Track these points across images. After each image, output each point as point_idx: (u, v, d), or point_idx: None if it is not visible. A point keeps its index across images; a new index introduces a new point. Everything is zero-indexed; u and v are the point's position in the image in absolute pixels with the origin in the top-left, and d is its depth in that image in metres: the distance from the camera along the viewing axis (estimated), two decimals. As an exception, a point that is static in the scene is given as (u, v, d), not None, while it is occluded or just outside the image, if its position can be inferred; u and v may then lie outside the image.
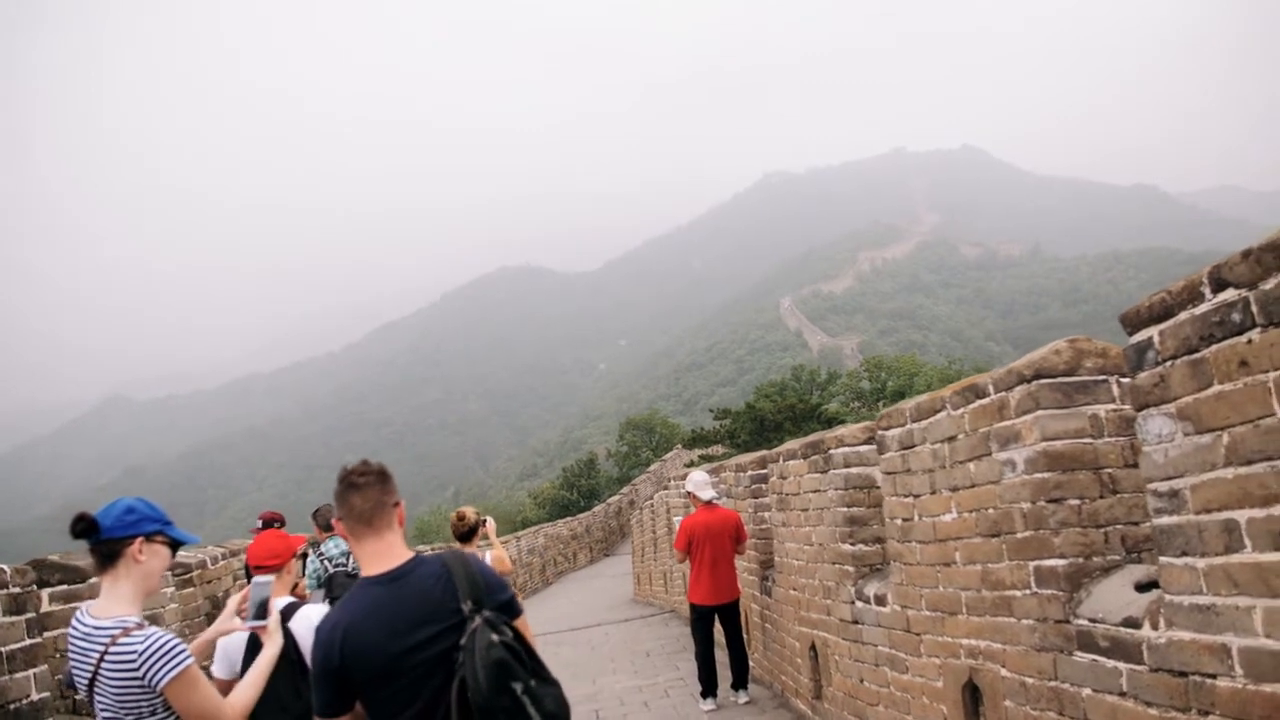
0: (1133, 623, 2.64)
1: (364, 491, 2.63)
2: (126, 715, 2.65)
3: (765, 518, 7.11)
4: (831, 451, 5.08)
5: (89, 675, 2.65)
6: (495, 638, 2.49)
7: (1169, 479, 2.40)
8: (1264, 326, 2.07)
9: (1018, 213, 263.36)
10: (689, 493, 7.47)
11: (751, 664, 7.54)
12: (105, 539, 2.73)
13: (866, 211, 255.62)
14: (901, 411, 4.06)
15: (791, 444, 5.92)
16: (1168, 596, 2.45)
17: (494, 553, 6.42)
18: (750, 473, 7.33)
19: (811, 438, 5.52)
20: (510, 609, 2.67)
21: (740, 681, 7.31)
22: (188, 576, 6.52)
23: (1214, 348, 2.22)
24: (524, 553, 24.10)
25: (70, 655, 2.72)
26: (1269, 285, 2.05)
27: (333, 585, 7.34)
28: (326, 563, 7.48)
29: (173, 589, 6.11)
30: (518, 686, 2.45)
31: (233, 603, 3.42)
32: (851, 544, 4.94)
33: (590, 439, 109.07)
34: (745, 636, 7.60)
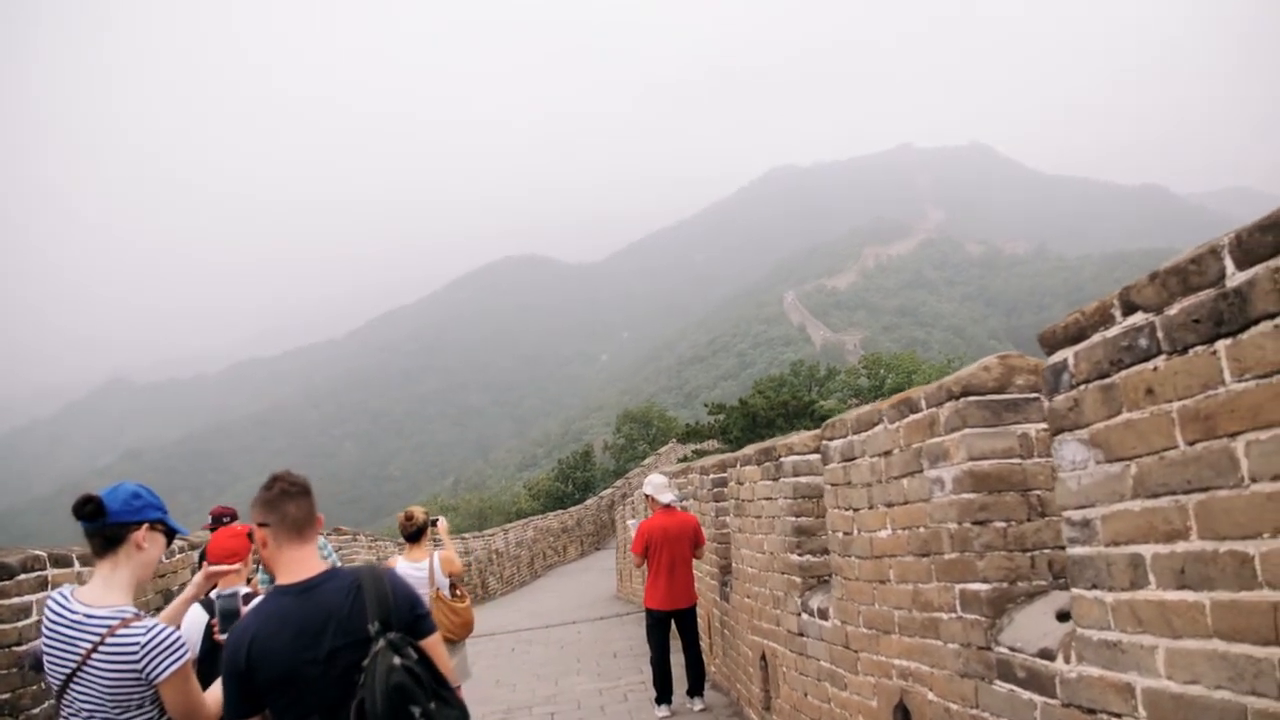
0: (1048, 654, 2.54)
1: (298, 500, 2.67)
2: (112, 707, 2.57)
3: (725, 522, 7.01)
4: (782, 459, 4.98)
5: (73, 665, 2.56)
6: (397, 661, 2.50)
7: (1081, 508, 2.30)
8: (1169, 354, 1.96)
9: (1024, 211, 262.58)
10: (647, 496, 7.37)
11: (713, 669, 7.45)
12: (111, 523, 2.69)
13: (872, 207, 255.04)
14: (844, 422, 3.95)
15: (748, 449, 5.82)
16: (1079, 630, 2.35)
17: (443, 553, 6.33)
18: (712, 476, 7.23)
19: (766, 444, 5.42)
20: (419, 628, 2.69)
21: (696, 688, 7.21)
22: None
23: (1123, 373, 2.12)
24: (511, 546, 24.05)
25: (50, 642, 2.63)
26: (1173, 311, 1.94)
27: None
28: None
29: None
30: (416, 710, 2.47)
31: (195, 583, 3.35)
32: (799, 554, 4.84)
33: (591, 430, 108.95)
34: (707, 642, 7.50)
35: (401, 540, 6.62)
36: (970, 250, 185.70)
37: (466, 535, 22.56)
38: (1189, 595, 1.95)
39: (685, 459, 29.49)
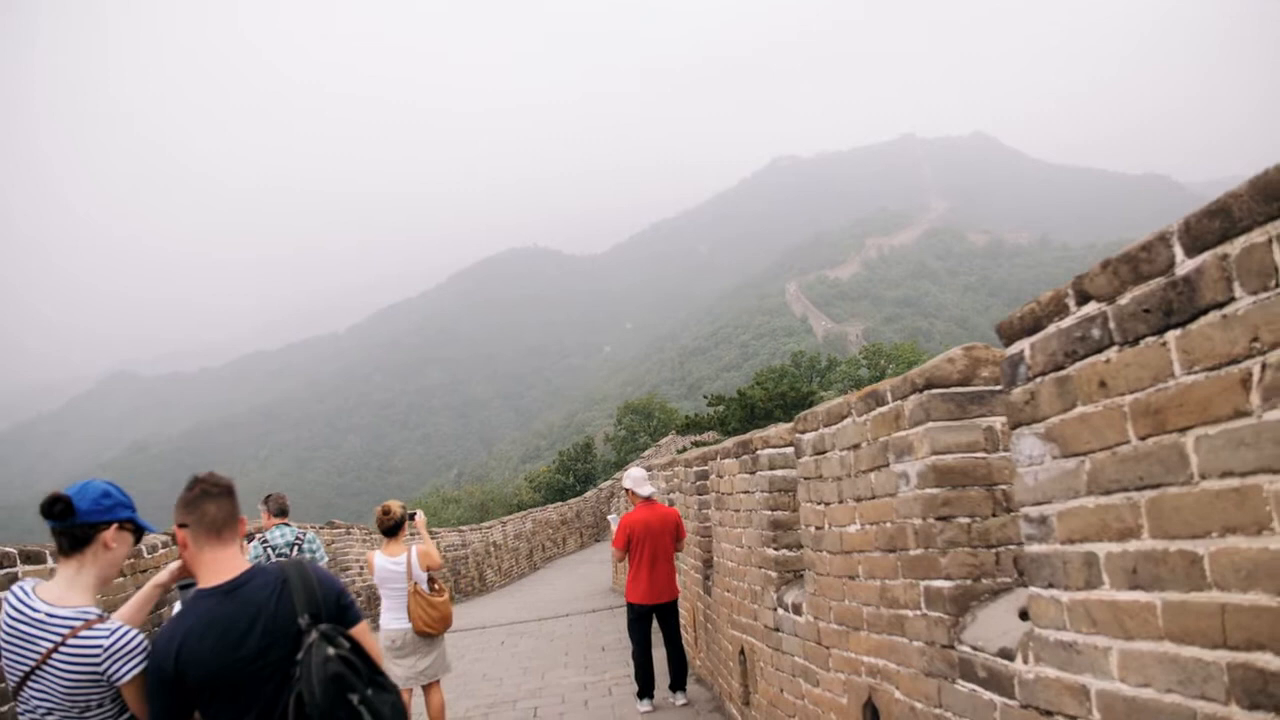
0: (1007, 654, 2.47)
1: (219, 501, 2.65)
2: (70, 707, 2.52)
3: (708, 515, 6.94)
4: (758, 452, 4.91)
5: (32, 664, 2.52)
6: (331, 651, 2.53)
7: (1038, 504, 2.23)
8: (1121, 345, 1.89)
9: (1027, 200, 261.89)
10: (627, 490, 7.30)
11: (698, 663, 7.40)
12: (80, 523, 2.64)
13: (875, 197, 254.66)
14: (816, 415, 3.88)
15: (727, 442, 5.75)
16: (1036, 630, 2.28)
17: (421, 547, 6.27)
18: (695, 469, 7.15)
19: (743, 436, 5.34)
20: (346, 617, 2.71)
21: (678, 683, 7.14)
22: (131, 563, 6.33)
23: (1077, 365, 2.04)
24: (509, 538, 24.03)
25: (8, 639, 2.58)
26: (1125, 301, 1.87)
27: None
28: (270, 550, 7.40)
29: (128, 576, 5.97)
30: (354, 698, 2.52)
31: (156, 581, 3.29)
32: (775, 548, 4.77)
33: (593, 422, 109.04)
34: (692, 635, 7.44)
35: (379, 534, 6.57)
36: (973, 240, 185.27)
37: (464, 528, 22.55)
38: (1141, 596, 1.88)
39: (684, 450, 29.44)
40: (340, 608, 2.70)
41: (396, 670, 6.20)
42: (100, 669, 2.51)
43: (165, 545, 7.34)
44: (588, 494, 33.47)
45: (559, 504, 30.83)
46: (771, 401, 25.04)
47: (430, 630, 6.11)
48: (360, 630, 2.73)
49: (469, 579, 21.24)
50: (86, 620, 2.55)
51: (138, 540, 2.83)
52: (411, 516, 6.55)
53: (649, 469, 11.16)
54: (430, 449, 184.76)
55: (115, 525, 2.69)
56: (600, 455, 47.33)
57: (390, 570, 6.19)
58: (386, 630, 6.27)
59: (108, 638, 2.53)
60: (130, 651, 2.54)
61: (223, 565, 2.61)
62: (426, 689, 6.29)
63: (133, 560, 6.79)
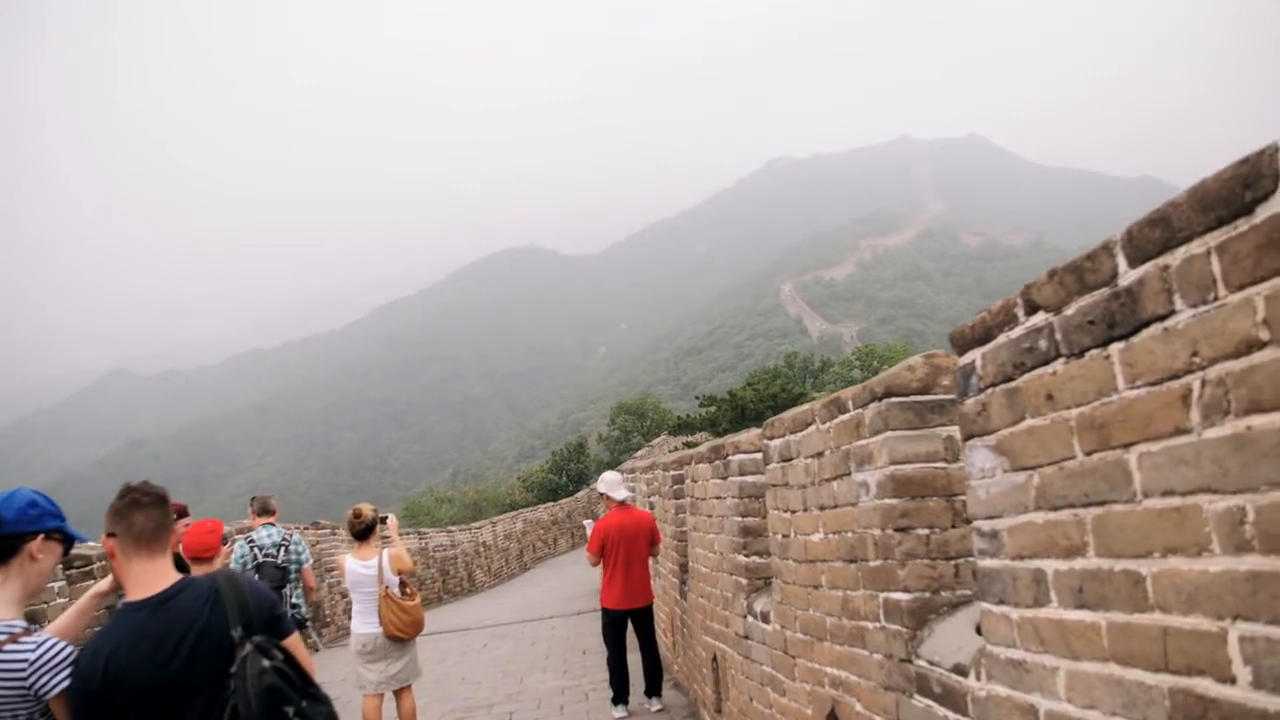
0: (962, 670, 2.41)
1: (148, 510, 2.57)
2: None
3: (684, 520, 6.89)
4: (730, 458, 4.85)
5: None
6: (266, 663, 2.50)
7: (990, 518, 2.17)
8: (1067, 357, 1.83)
9: (1022, 203, 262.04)
10: (602, 494, 7.24)
11: (675, 668, 7.34)
12: (5, 534, 2.57)
13: (870, 198, 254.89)
14: (783, 421, 3.82)
15: (702, 447, 5.69)
16: (988, 647, 2.22)
17: (392, 551, 6.20)
18: (672, 473, 7.09)
19: (716, 441, 5.29)
20: (279, 628, 2.68)
21: (653, 688, 7.08)
22: (87, 569, 6.26)
23: (1025, 377, 1.99)
24: (499, 538, 23.96)
25: None
26: (1070, 312, 1.81)
27: (261, 573, 7.22)
28: (257, 550, 7.37)
29: (63, 583, 5.89)
30: (289, 709, 2.52)
31: (95, 592, 3.23)
32: (745, 555, 4.71)
33: (589, 422, 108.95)
34: (670, 640, 7.38)
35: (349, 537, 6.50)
36: (967, 242, 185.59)
37: (453, 528, 22.47)
38: (1086, 615, 1.82)
39: (675, 451, 29.36)
40: (273, 619, 2.67)
41: (368, 675, 6.13)
42: (27, 683, 2.44)
43: (101, 559, 7.26)
44: (579, 494, 33.39)
45: (550, 504, 30.78)
46: (762, 403, 25.00)
47: (401, 635, 6.04)
48: (293, 642, 2.71)
49: (457, 580, 21.16)
50: (11, 634, 2.48)
51: (67, 551, 2.77)
52: (383, 520, 6.49)
53: (632, 471, 11.11)
54: (426, 448, 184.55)
55: (42, 536, 2.62)
56: (593, 455, 47.25)
57: (361, 574, 6.13)
58: (357, 634, 6.20)
59: (33, 651, 2.46)
60: (57, 665, 2.47)
61: (152, 577, 2.55)
62: (398, 694, 6.23)
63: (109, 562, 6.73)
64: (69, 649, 2.54)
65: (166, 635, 2.46)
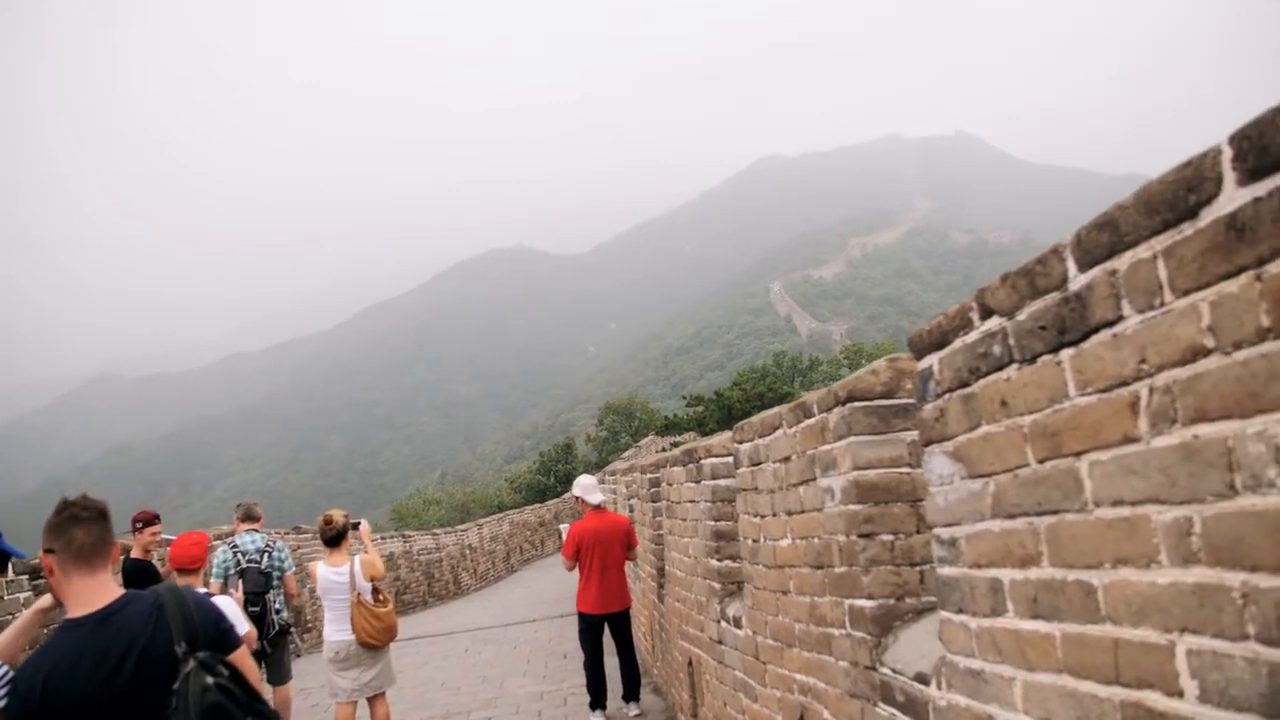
0: (923, 679, 2.38)
1: (87, 526, 2.51)
2: None
3: (661, 523, 6.84)
4: (702, 461, 4.81)
5: None
6: (210, 680, 2.47)
7: (949, 525, 2.14)
8: (1020, 363, 1.79)
9: (1010, 200, 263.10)
10: (577, 498, 7.19)
11: (655, 672, 7.29)
12: None
13: (859, 197, 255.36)
14: (752, 425, 3.78)
15: (676, 450, 5.65)
16: (948, 656, 2.19)
17: (364, 557, 6.14)
18: (649, 476, 7.04)
19: (689, 445, 5.24)
20: (225, 643, 2.65)
21: (631, 693, 7.03)
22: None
23: (981, 383, 1.95)
24: (486, 540, 23.88)
25: None
26: (1023, 316, 1.77)
27: (244, 579, 7.19)
28: (240, 556, 7.33)
29: (29, 594, 5.82)
30: None
31: (37, 608, 3.17)
32: (718, 560, 4.66)
33: (578, 422, 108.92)
34: (649, 644, 7.34)
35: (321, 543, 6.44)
36: (956, 240, 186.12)
37: (439, 530, 22.36)
38: (1041, 626, 1.79)
39: (663, 451, 29.32)
40: (219, 633, 2.64)
41: (340, 682, 6.07)
42: None
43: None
44: (567, 495, 33.31)
45: (537, 505, 30.72)
46: (749, 402, 24.97)
47: (374, 642, 5.98)
48: (239, 656, 2.69)
49: (443, 583, 21.06)
50: None
51: (3, 568, 2.73)
52: (355, 526, 6.43)
53: (613, 473, 11.06)
54: (415, 449, 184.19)
55: None
56: (581, 456, 47.18)
57: (333, 581, 6.06)
58: (330, 641, 6.15)
59: None
60: None
61: (92, 594, 2.49)
62: (372, 701, 6.17)
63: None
64: (5, 669, 2.52)
65: (108, 652, 2.41)
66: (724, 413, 25.13)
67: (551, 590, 18.06)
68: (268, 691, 7.22)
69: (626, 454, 37.96)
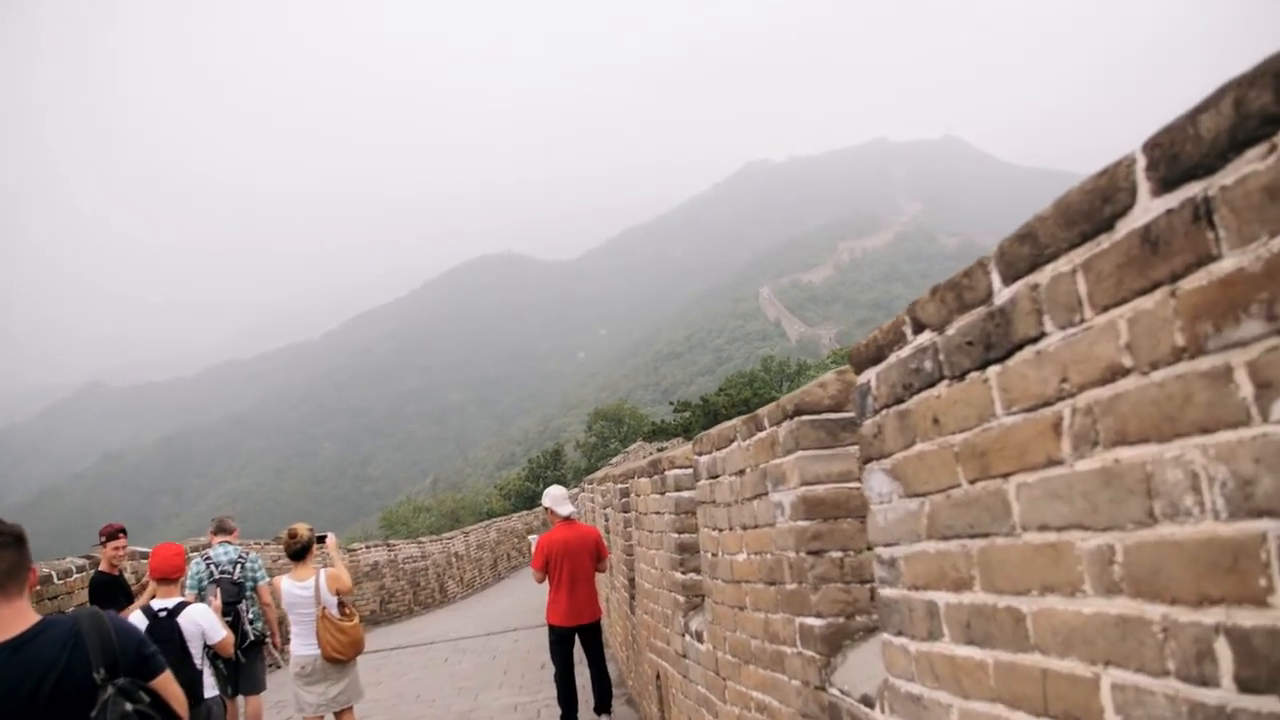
0: (869, 701, 2.31)
1: (2, 552, 2.45)
2: None
3: (632, 534, 6.77)
4: (666, 473, 4.73)
5: None
6: (129, 707, 2.43)
7: (888, 545, 2.07)
8: (950, 379, 1.72)
9: (998, 204, 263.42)
10: (547, 508, 7.12)
11: (629, 684, 7.21)
12: None
13: (847, 201, 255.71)
14: (710, 437, 3.71)
15: (642, 461, 5.58)
16: (890, 679, 2.13)
17: (330, 570, 6.05)
18: (619, 486, 6.97)
19: (655, 456, 5.18)
20: (148, 668, 2.60)
21: (602, 705, 6.96)
22: (35, 590, 6.08)
23: (915, 399, 1.88)
24: (472, 548, 23.78)
25: None
26: (951, 331, 1.70)
27: (219, 589, 7.21)
28: (213, 567, 7.39)
29: None
30: None
31: None
32: (683, 572, 4.59)
33: (569, 428, 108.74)
34: (624, 654, 7.26)
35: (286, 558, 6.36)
36: (944, 243, 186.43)
37: (424, 539, 22.25)
38: (975, 653, 1.72)
39: (650, 457, 29.19)
40: (140, 658, 2.58)
41: (307, 697, 5.99)
42: None
43: (80, 570, 7.11)
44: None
45: (524, 512, 30.60)
46: (735, 408, 24.92)
47: (339, 656, 5.89)
48: (163, 681, 2.62)
49: (429, 591, 20.92)
50: None
51: None
52: (321, 539, 6.34)
53: (591, 482, 10.97)
54: (406, 456, 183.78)
55: None
56: (571, 462, 47.10)
57: (298, 595, 5.98)
58: (296, 656, 6.07)
59: None
60: None
61: (7, 620, 2.42)
62: (339, 716, 6.09)
63: (41, 587, 6.56)
64: None
65: (22, 680, 2.36)
66: (710, 419, 25.07)
67: (536, 598, 17.92)
68: (240, 704, 7.19)
69: (615, 460, 37.86)
